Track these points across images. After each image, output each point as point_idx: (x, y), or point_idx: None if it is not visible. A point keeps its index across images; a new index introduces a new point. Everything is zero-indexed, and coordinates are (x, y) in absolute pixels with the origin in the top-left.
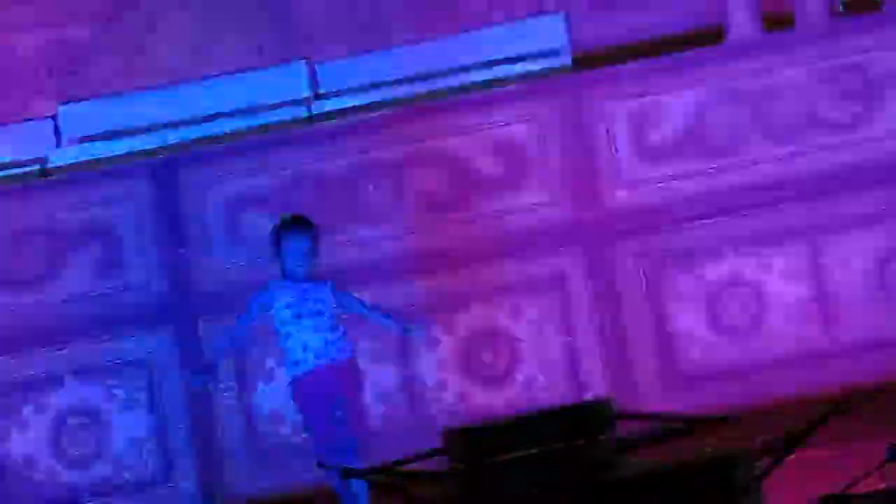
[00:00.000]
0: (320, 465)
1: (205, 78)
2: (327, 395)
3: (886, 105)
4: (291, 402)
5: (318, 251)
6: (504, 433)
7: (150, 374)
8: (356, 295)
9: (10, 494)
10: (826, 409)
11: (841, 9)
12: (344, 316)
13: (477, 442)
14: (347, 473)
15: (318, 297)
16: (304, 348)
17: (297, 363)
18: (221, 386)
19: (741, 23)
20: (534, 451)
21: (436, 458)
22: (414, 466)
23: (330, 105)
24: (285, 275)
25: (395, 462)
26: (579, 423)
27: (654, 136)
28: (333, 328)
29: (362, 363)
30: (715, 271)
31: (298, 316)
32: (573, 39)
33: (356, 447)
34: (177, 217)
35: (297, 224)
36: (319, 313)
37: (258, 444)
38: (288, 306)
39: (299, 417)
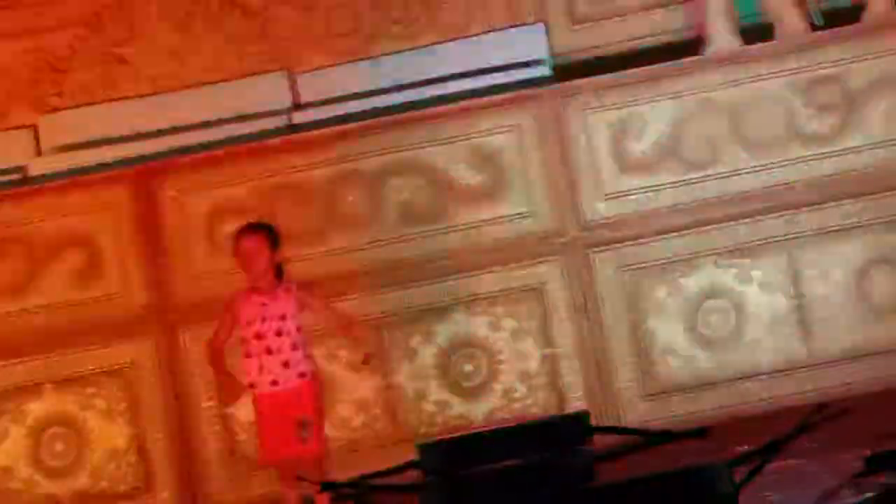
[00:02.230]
0: (298, 477)
1: (185, 87)
2: (283, 416)
3: (864, 117)
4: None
5: (275, 257)
6: (479, 446)
7: (129, 383)
8: (317, 295)
9: None
10: (804, 420)
11: (819, 21)
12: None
13: (452, 454)
14: (326, 486)
15: (280, 312)
16: (260, 370)
17: (252, 385)
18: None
19: (720, 34)
20: (509, 462)
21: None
22: (391, 479)
23: (310, 115)
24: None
25: (372, 475)
26: (556, 435)
27: (634, 147)
28: (294, 346)
29: (340, 372)
30: (694, 282)
31: (258, 336)
32: (553, 50)
33: (315, 466)
34: (156, 226)
35: (249, 227)
36: (278, 333)
37: (237, 454)
38: (248, 323)
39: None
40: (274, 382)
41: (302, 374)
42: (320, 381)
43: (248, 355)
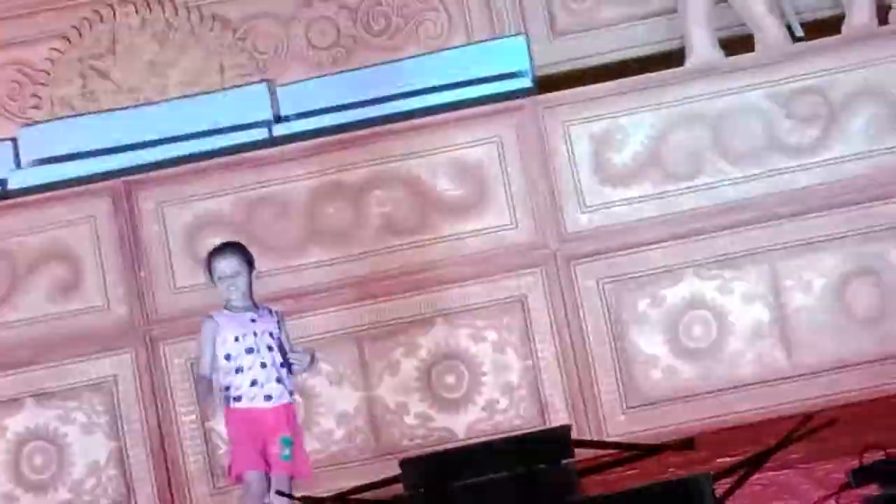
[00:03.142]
0: (279, 493)
1: (165, 100)
2: (267, 432)
3: (846, 128)
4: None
5: (250, 279)
6: (462, 460)
7: (110, 397)
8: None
9: None
10: (791, 431)
11: (800, 32)
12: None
13: (434, 469)
14: (307, 501)
15: (267, 328)
16: (253, 384)
17: (239, 398)
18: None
19: (701, 46)
20: (492, 476)
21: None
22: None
23: (290, 128)
24: (226, 305)
25: (353, 489)
26: (538, 449)
27: (615, 159)
28: (283, 364)
29: (321, 385)
30: (676, 294)
31: (249, 350)
32: (534, 62)
33: (288, 486)
34: (137, 239)
35: (225, 247)
36: (270, 348)
37: (218, 468)
38: (237, 339)
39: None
40: (268, 397)
41: (291, 392)
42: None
43: (238, 370)
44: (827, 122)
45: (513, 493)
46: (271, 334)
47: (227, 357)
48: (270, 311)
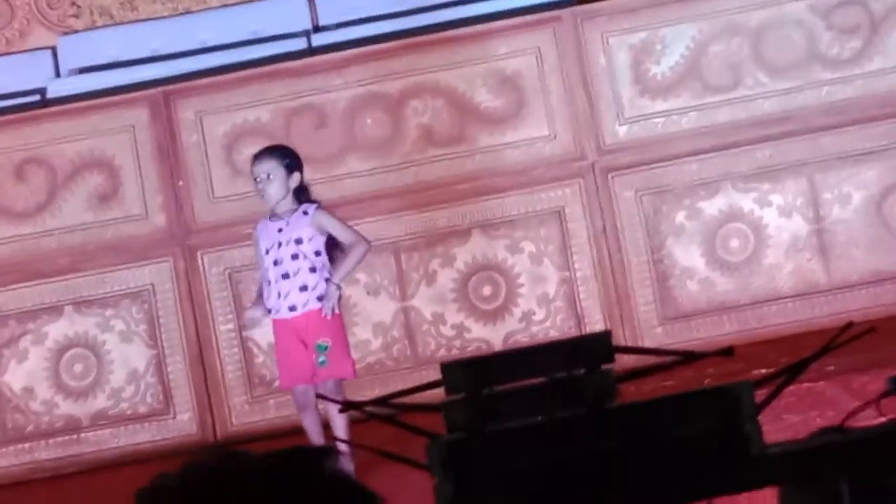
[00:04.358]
0: (318, 396)
1: (203, 9)
2: (301, 341)
3: (887, 40)
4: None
5: (288, 181)
6: (502, 365)
7: (148, 306)
8: (336, 218)
9: (8, 425)
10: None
11: None
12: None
13: (475, 374)
14: (348, 405)
15: (295, 235)
16: (279, 296)
17: (270, 310)
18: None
19: None
20: (534, 380)
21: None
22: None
23: (329, 38)
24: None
25: (395, 394)
26: (579, 355)
27: (654, 70)
28: (313, 269)
29: (358, 295)
30: (713, 206)
31: (275, 262)
32: None
33: (331, 393)
34: (175, 148)
35: (263, 150)
36: (295, 257)
37: (256, 377)
38: (267, 251)
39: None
40: (292, 308)
41: (321, 298)
42: (340, 304)
43: (268, 282)
44: (868, 34)
45: (554, 398)
46: (298, 241)
47: (263, 268)
48: (305, 213)
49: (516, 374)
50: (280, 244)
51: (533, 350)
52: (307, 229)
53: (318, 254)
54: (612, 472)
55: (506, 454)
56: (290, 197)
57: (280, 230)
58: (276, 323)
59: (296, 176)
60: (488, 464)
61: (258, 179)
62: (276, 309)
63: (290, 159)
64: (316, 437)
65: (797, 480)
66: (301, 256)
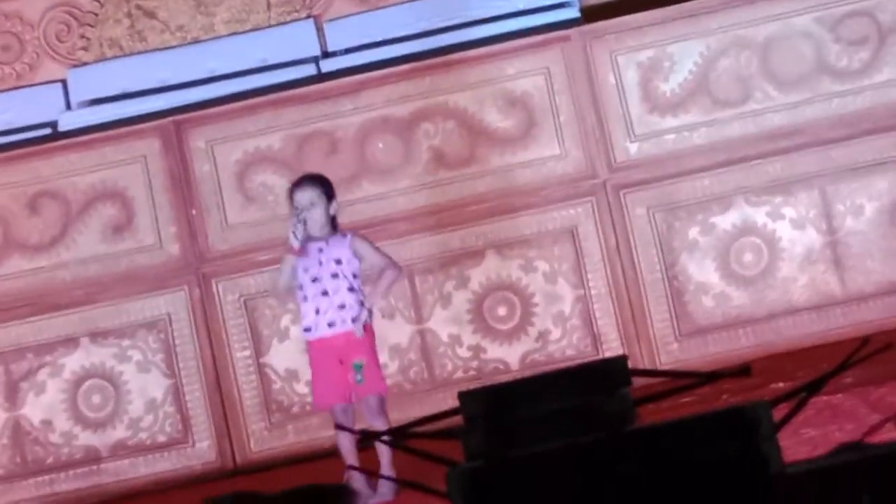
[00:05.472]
0: (338, 426)
1: (212, 38)
2: (337, 360)
3: (895, 50)
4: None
5: (328, 208)
6: (519, 392)
7: (165, 335)
8: (370, 242)
9: (28, 457)
10: (850, 355)
11: None
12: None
13: (493, 401)
14: (366, 436)
15: (335, 256)
16: (317, 312)
17: (309, 329)
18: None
19: None
20: (552, 406)
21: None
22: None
23: (338, 63)
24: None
25: (412, 423)
26: (596, 379)
27: (663, 87)
28: (351, 289)
29: (374, 319)
30: (726, 221)
31: (314, 280)
32: None
33: (375, 409)
34: (188, 178)
35: (303, 179)
36: (335, 276)
37: (274, 403)
38: (306, 270)
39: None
40: (331, 324)
41: (355, 319)
42: (371, 326)
43: (304, 299)
44: (876, 44)
45: (572, 423)
46: (338, 261)
47: (300, 287)
48: (344, 235)
49: (533, 401)
50: (321, 262)
51: (550, 376)
52: (346, 251)
53: (354, 276)
54: (632, 497)
55: (525, 481)
56: (328, 224)
57: (321, 250)
58: (312, 344)
59: (334, 204)
60: (508, 491)
61: (300, 208)
62: (314, 327)
63: (328, 188)
64: (350, 456)
65: (818, 500)
66: (341, 276)
